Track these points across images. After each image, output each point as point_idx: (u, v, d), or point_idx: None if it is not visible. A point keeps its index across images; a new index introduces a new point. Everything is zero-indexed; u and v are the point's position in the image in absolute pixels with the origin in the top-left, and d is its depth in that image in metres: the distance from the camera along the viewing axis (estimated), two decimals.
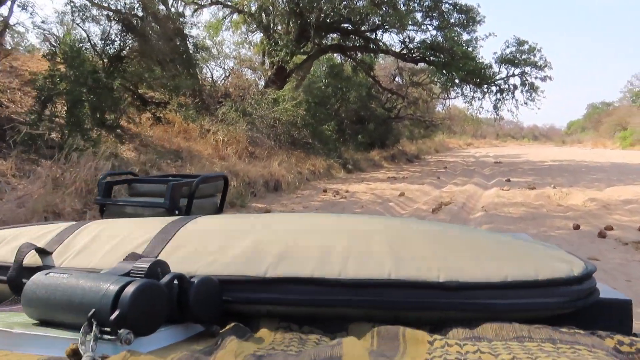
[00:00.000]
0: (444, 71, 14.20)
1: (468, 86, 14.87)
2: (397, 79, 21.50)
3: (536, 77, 15.07)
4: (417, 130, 30.71)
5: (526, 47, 14.99)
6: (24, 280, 0.64)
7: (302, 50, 14.54)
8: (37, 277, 0.55)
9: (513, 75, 15.16)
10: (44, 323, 0.53)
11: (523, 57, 14.99)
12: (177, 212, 1.18)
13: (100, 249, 0.70)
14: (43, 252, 0.71)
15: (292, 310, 0.59)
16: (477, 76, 14.48)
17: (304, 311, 0.59)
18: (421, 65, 16.83)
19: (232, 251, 0.63)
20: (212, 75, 13.45)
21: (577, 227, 5.71)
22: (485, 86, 14.92)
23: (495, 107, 15.21)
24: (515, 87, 15.14)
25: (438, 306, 0.56)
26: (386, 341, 0.52)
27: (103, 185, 1.31)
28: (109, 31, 8.63)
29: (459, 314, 0.57)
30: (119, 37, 8.72)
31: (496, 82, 15.08)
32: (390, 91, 18.15)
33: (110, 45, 8.64)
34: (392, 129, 22.19)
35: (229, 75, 13.42)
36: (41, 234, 0.76)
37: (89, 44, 8.41)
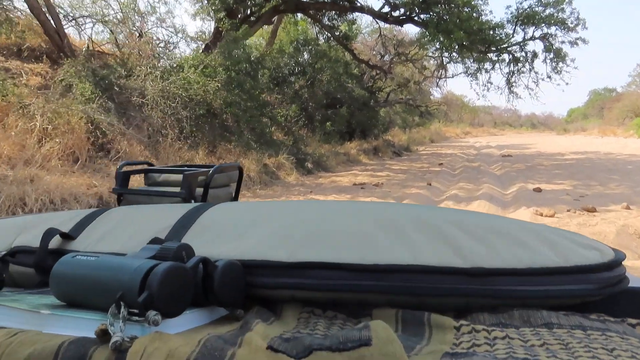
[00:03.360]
0: (439, 34, 9.70)
1: (471, 55, 10.33)
2: (386, 58, 16.93)
3: (563, 42, 10.47)
4: (410, 118, 26.46)
5: None
6: (49, 264, 0.59)
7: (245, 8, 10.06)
8: (65, 259, 0.53)
9: (532, 38, 10.59)
10: (71, 305, 0.52)
11: (546, 12, 10.41)
12: (193, 201, 1.16)
13: (123, 234, 0.68)
14: (67, 237, 0.70)
15: (315, 295, 0.57)
16: (483, 40, 9.97)
17: (327, 296, 0.57)
18: (410, 33, 12.26)
19: (255, 236, 0.61)
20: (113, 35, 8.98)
21: None
22: (495, 54, 10.37)
23: (508, 82, 10.64)
24: (534, 55, 10.55)
25: (463, 292, 0.54)
26: (411, 326, 0.51)
27: (121, 175, 1.30)
28: None
29: (484, 301, 0.54)
30: None
31: (509, 49, 10.51)
32: (368, 64, 13.62)
33: None
34: (378, 115, 17.71)
35: (139, 36, 8.95)
36: (64, 220, 0.74)
37: None
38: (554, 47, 10.41)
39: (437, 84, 14.69)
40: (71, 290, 0.52)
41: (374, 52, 18.23)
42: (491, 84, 11.65)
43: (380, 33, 13.39)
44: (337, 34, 13.48)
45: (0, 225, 0.79)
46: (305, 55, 14.97)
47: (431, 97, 27.44)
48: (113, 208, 0.79)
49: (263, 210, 0.68)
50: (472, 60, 10.43)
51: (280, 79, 12.96)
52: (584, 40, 10.42)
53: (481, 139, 31.55)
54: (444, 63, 12.68)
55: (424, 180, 8.48)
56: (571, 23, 10.33)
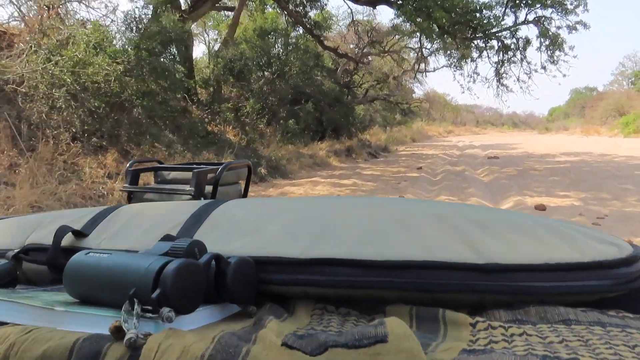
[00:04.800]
0: (416, 14, 7.96)
1: (455, 42, 8.61)
2: (361, 47, 15.15)
3: (559, 27, 8.80)
4: (391, 116, 24.83)
5: None
6: (62, 261, 0.60)
7: None
8: (78, 256, 0.53)
9: (525, 22, 8.91)
10: (85, 302, 0.51)
11: None
12: (202, 199, 1.14)
13: (135, 231, 0.67)
14: (80, 235, 0.69)
15: (328, 291, 0.55)
16: (468, 23, 8.26)
17: (340, 293, 0.55)
18: (386, 21, 10.51)
19: (266, 232, 0.60)
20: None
21: None
22: (482, 40, 8.66)
23: (497, 73, 8.94)
24: (527, 41, 8.88)
25: (477, 288, 0.52)
26: (425, 323, 0.50)
27: (130, 173, 1.30)
28: None
29: (500, 297, 0.53)
30: None
31: (498, 34, 8.81)
32: (337, 52, 11.83)
33: None
34: (353, 112, 15.96)
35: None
36: (76, 217, 0.74)
37: None
38: (550, 33, 8.72)
39: (415, 76, 12.97)
40: (84, 287, 0.51)
41: (353, 46, 16.47)
42: (478, 74, 9.95)
43: (352, 19, 11.60)
44: (305, 20, 11.69)
45: (13, 224, 0.78)
46: (275, 46, 13.17)
47: (413, 94, 25.81)
48: (124, 205, 0.76)
49: (275, 206, 0.67)
50: (455, 48, 8.72)
51: (238, 70, 11.12)
52: (584, 25, 8.78)
53: (464, 138, 30.16)
54: (424, 54, 10.93)
55: (396, 191, 6.74)
56: (570, 4, 8.66)
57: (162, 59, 5.99)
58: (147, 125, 5.72)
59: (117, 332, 0.42)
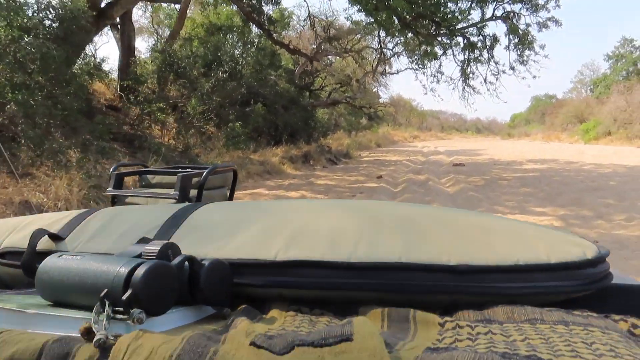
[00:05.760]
0: (373, 4, 6.91)
1: (417, 37, 7.62)
2: (325, 47, 14.08)
3: (528, 25, 7.95)
4: (356, 121, 23.95)
5: None
6: (37, 264, 0.59)
7: None
8: (51, 259, 0.53)
9: (493, 18, 8.02)
10: (57, 304, 0.52)
11: None
12: (187, 203, 1.08)
13: (112, 235, 0.67)
14: (56, 238, 0.69)
15: (303, 293, 0.56)
16: (432, 16, 7.29)
17: (315, 294, 0.56)
18: (347, 21, 9.56)
19: (242, 235, 0.60)
20: None
21: None
22: (446, 36, 7.71)
23: (463, 73, 8.02)
24: (495, 39, 8.01)
25: (449, 289, 0.53)
26: (397, 323, 0.51)
27: (115, 177, 1.28)
28: None
29: (470, 298, 0.54)
30: None
31: (464, 31, 7.89)
32: (288, 47, 10.70)
33: None
34: (313, 116, 14.87)
35: None
36: (53, 220, 0.74)
37: None
38: (520, 30, 7.85)
39: (373, 75, 11.99)
40: (57, 290, 0.51)
41: (314, 46, 15.41)
42: (442, 74, 9.01)
43: (308, 14, 10.51)
44: (256, 16, 10.52)
45: None
46: (225, 43, 11.95)
47: (380, 99, 25.04)
48: (103, 208, 0.76)
49: (251, 209, 0.68)
50: (417, 44, 7.74)
51: (181, 67, 9.84)
52: (556, 22, 7.97)
53: (429, 144, 29.74)
54: (384, 54, 9.96)
55: None
56: (542, 1, 7.80)
57: (48, 44, 4.64)
58: (24, 126, 4.39)
59: (88, 334, 0.42)
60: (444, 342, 0.45)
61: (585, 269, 0.53)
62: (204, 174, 1.20)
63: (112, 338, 0.41)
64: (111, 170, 1.31)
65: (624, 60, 32.40)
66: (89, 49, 8.60)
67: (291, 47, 11.11)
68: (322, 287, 0.54)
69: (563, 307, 0.51)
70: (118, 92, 9.07)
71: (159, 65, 10.05)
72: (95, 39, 10.86)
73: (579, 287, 0.53)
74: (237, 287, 0.56)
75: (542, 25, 7.96)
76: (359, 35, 13.13)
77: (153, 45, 11.30)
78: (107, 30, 11.60)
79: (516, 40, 8.00)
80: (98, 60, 8.33)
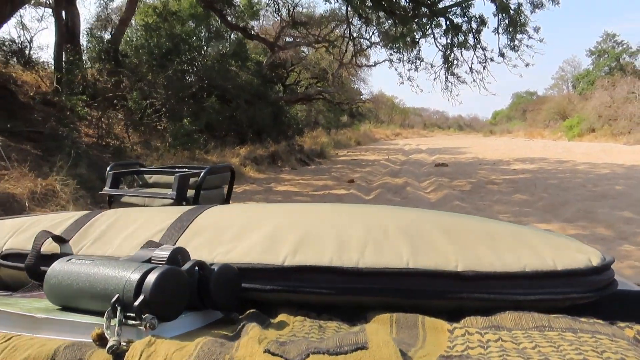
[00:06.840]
0: None
1: (392, 18, 6.31)
2: (295, 36, 12.70)
3: (520, 4, 6.69)
4: (336, 118, 22.62)
5: None
6: (42, 267, 0.62)
7: None
8: (59, 263, 0.53)
9: None
10: (66, 308, 0.52)
11: None
12: (184, 203, 1.14)
13: (116, 237, 0.68)
14: (60, 240, 0.69)
15: (310, 298, 0.57)
16: None
17: (322, 300, 0.57)
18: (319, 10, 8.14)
19: (249, 239, 0.61)
20: None
21: None
22: (426, 17, 6.42)
23: (446, 60, 6.75)
24: (482, 21, 6.76)
25: (456, 295, 0.54)
26: (405, 329, 0.51)
27: (111, 176, 1.26)
28: None
29: (477, 304, 0.55)
30: None
31: (447, 11, 6.60)
32: (245, 32, 9.34)
33: None
34: (285, 112, 13.51)
35: None
36: (56, 222, 0.73)
37: None
38: (511, 10, 6.61)
39: (349, 68, 10.70)
40: (66, 294, 0.51)
41: (288, 38, 14.02)
42: (421, 60, 7.73)
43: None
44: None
45: None
46: (182, 29, 10.52)
47: (361, 96, 23.72)
48: (106, 210, 0.76)
49: (257, 213, 0.68)
50: (391, 24, 6.46)
51: (123, 57, 8.41)
52: (557, 1, 6.71)
53: (411, 141, 28.93)
54: (361, 44, 8.66)
55: None
56: None
57: None
58: None
59: (100, 340, 0.42)
60: (455, 349, 0.45)
61: (591, 276, 0.54)
62: (202, 174, 1.21)
63: (124, 344, 0.41)
64: (107, 169, 1.28)
65: (606, 56, 32.00)
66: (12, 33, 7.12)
67: (248, 31, 9.75)
68: (330, 292, 0.55)
69: (569, 314, 0.51)
70: (54, 84, 7.66)
71: (96, 53, 8.62)
72: (31, 25, 9.35)
73: (585, 294, 0.53)
74: (244, 292, 0.57)
75: (536, 5, 6.75)
76: (332, 25, 11.81)
77: (87, 30, 9.82)
78: (49, 15, 10.09)
79: (507, 21, 6.78)
80: (20, 46, 6.86)
